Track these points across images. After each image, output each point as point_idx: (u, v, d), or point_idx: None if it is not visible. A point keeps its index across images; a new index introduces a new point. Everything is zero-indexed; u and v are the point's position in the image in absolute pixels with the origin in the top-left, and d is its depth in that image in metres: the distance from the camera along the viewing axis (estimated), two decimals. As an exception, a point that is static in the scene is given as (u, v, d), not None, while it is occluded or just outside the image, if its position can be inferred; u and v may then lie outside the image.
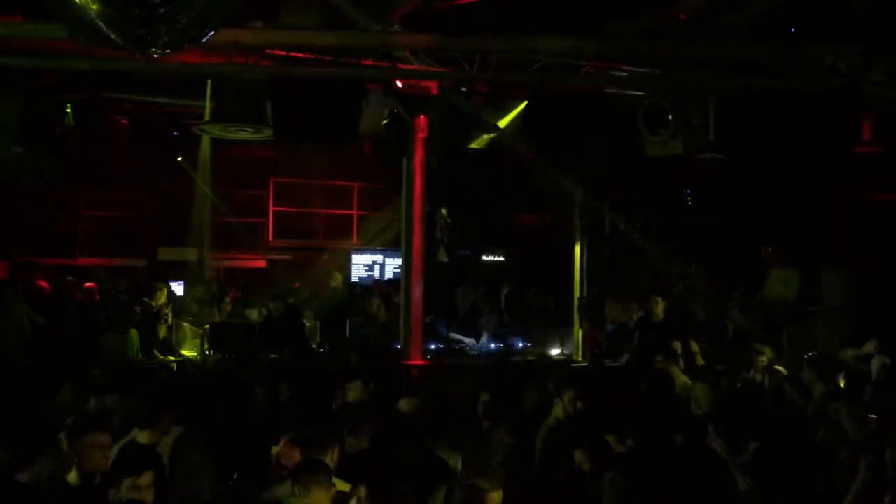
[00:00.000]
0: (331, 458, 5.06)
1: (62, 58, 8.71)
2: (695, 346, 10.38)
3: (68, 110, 11.34)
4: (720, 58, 9.43)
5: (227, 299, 13.59)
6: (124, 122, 12.72)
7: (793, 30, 9.08)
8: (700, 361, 10.28)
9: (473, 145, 12.30)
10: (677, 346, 9.82)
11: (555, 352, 12.45)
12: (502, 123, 12.07)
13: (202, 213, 15.21)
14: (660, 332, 10.40)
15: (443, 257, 13.77)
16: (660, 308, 10.76)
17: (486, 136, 12.19)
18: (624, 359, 11.06)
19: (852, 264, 11.41)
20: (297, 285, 14.32)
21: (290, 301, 12.17)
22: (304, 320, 12.10)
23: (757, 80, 9.50)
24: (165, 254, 15.48)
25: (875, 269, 11.44)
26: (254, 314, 12.75)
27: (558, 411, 6.91)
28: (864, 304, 10.89)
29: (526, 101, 11.86)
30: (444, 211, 13.69)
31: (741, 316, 11.69)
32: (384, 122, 11.42)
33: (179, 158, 14.17)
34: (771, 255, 11.72)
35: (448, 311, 13.73)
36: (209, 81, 10.11)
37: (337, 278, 13.83)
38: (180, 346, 11.73)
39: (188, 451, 4.72)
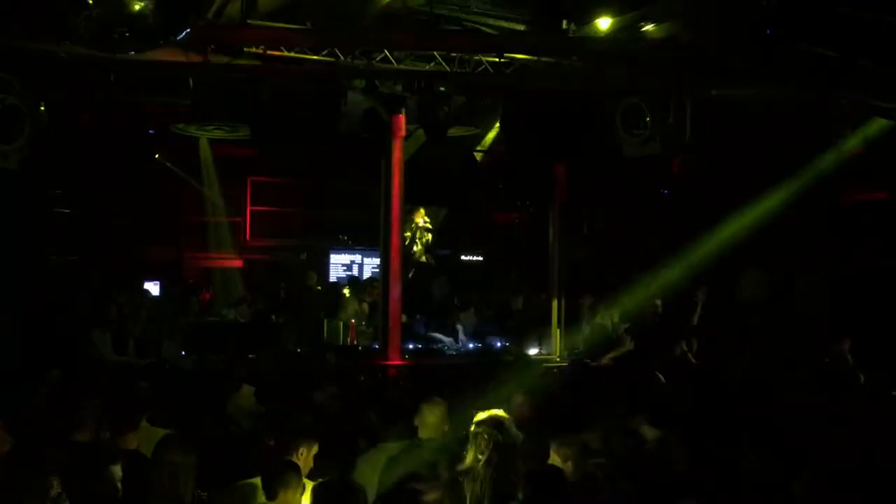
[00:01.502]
0: (301, 458, 5.05)
1: (37, 55, 8.61)
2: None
3: (42, 108, 11.19)
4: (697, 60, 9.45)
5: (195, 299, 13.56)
6: (100, 120, 12.61)
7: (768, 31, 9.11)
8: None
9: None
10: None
11: (533, 351, 12.47)
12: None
13: (185, 212, 15.14)
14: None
15: (421, 257, 13.75)
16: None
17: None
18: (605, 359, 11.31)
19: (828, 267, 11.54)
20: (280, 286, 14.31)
21: (259, 305, 12.15)
22: (280, 320, 12.06)
23: (733, 83, 9.56)
24: (141, 253, 15.33)
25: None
26: (230, 314, 12.72)
27: None
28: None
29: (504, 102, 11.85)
30: (422, 210, 13.67)
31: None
32: (362, 121, 11.37)
33: (157, 156, 14.08)
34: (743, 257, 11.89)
35: (427, 310, 13.71)
36: (190, 80, 10.04)
37: (313, 278, 13.80)
38: (157, 345, 11.65)
39: (169, 453, 4.68)
